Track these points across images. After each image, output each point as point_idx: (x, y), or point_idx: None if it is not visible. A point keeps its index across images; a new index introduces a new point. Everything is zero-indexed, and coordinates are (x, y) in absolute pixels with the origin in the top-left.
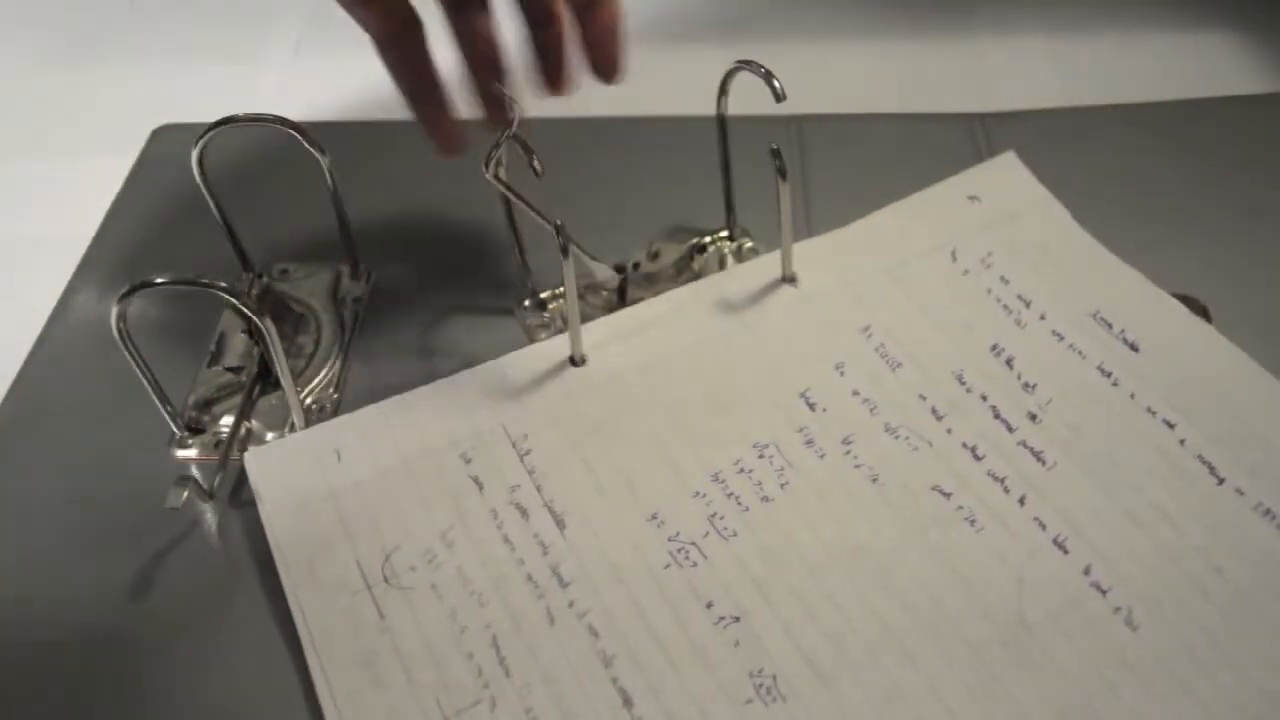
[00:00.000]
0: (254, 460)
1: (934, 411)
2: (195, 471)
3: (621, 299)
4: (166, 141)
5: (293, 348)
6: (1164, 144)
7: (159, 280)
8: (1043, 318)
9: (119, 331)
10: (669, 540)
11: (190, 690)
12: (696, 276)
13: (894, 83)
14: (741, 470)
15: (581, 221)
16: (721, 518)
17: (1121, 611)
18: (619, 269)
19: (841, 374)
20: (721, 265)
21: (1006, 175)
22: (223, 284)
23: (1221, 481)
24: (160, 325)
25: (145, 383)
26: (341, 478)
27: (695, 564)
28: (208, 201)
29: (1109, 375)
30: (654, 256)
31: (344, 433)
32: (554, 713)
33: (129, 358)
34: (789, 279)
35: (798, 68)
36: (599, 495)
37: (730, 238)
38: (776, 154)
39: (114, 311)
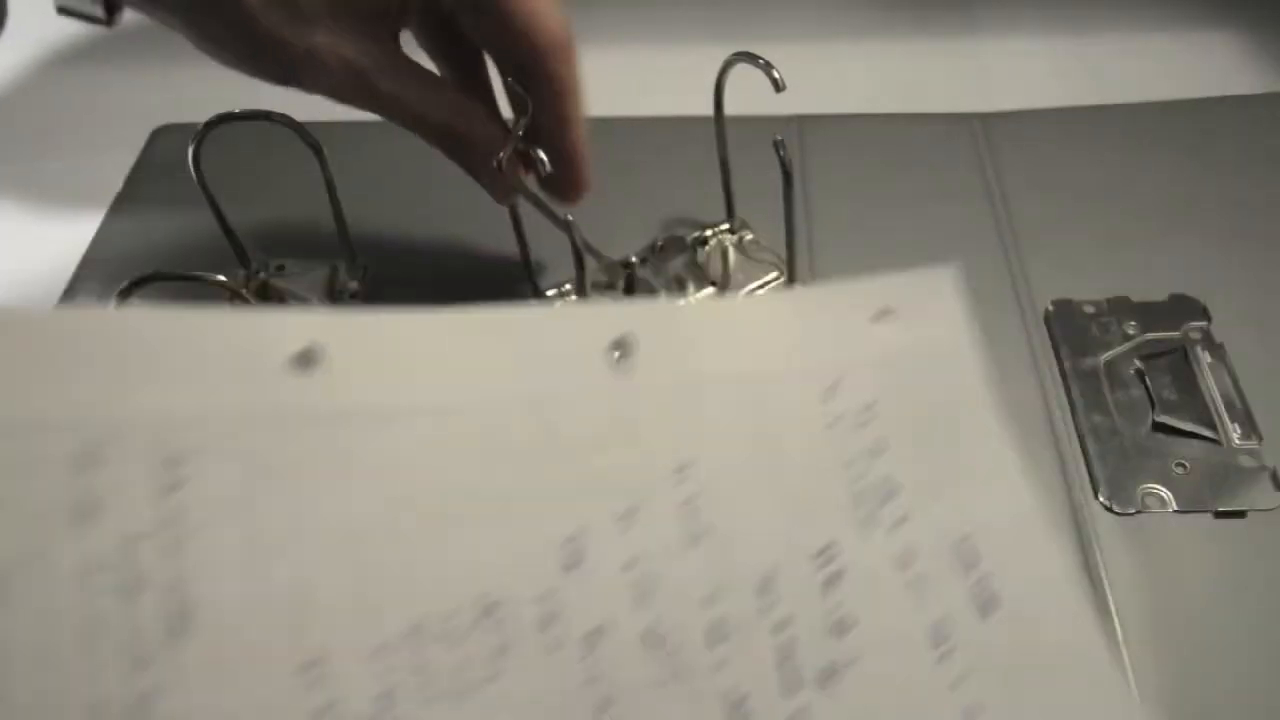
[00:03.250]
0: None
1: (709, 633)
2: None
3: (629, 292)
4: (166, 141)
5: None
6: (1164, 144)
7: (157, 275)
8: (900, 523)
9: None
10: (312, 714)
11: None
12: (700, 269)
13: (894, 83)
14: (448, 631)
15: (582, 218)
16: (395, 702)
17: None
18: (625, 265)
19: (625, 527)
20: (724, 258)
21: (934, 298)
22: (220, 278)
23: None
24: None
25: None
26: None
27: None
28: (204, 198)
29: (940, 644)
30: (658, 250)
31: None
32: None
33: None
34: (619, 347)
35: (798, 68)
36: (247, 600)
37: (731, 230)
38: (780, 145)
39: (112, 307)
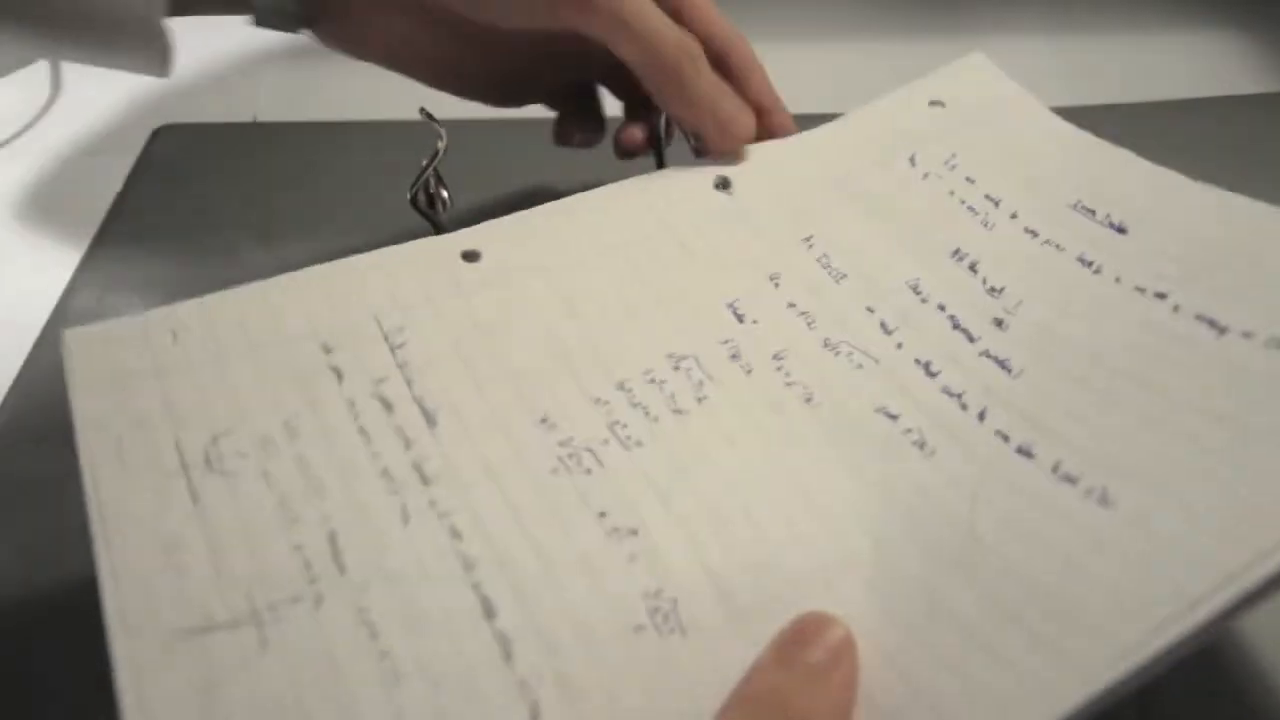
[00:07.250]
0: (74, 339)
1: (883, 325)
2: None
3: None
4: (166, 141)
5: None
6: (1164, 144)
7: None
8: (1014, 216)
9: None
10: (559, 445)
11: None
12: None
13: (894, 83)
14: (652, 380)
15: None
16: (625, 426)
17: (1094, 492)
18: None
19: (776, 285)
20: None
21: (975, 76)
22: None
23: (1224, 331)
24: None
25: None
26: (173, 358)
27: (589, 470)
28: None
29: (1090, 264)
30: None
31: (186, 315)
32: (394, 618)
33: None
34: (722, 184)
35: (798, 68)
36: (478, 392)
37: None
38: None
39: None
